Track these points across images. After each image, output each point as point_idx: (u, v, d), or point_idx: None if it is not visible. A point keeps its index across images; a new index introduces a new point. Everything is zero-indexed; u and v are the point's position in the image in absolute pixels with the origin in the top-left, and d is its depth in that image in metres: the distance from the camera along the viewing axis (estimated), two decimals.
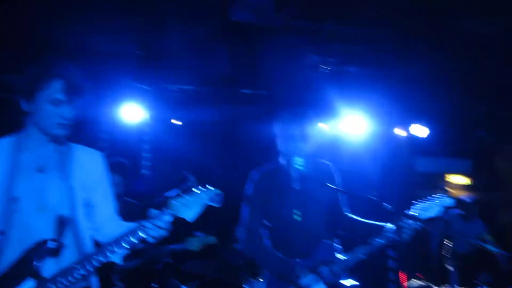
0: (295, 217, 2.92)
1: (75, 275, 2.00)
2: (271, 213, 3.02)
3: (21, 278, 1.97)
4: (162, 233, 2.05)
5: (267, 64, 5.53)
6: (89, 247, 2.19)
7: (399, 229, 2.77)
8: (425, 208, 2.81)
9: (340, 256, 2.94)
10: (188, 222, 2.05)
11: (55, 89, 2.08)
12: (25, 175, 2.10)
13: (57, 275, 2.00)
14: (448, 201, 2.84)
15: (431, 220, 2.81)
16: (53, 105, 2.09)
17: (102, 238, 2.27)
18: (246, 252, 3.03)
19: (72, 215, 2.13)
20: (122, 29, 4.87)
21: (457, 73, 5.79)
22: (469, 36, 4.96)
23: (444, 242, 3.48)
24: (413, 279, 4.76)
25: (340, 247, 3.09)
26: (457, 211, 5.83)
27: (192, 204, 1.98)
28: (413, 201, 2.86)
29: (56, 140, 2.18)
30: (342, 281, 2.91)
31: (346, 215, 3.09)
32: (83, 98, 2.15)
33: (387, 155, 6.62)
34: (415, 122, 6.46)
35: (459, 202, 5.75)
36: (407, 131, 6.57)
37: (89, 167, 2.26)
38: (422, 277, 4.95)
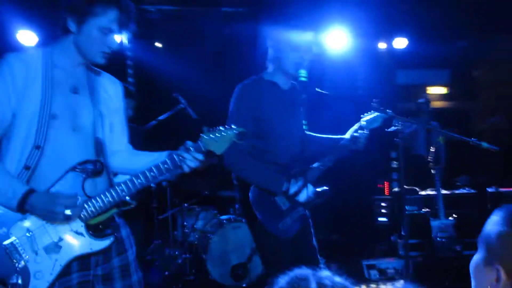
0: (285, 128, 2.94)
1: (116, 197, 2.10)
2: (265, 127, 2.92)
3: (67, 191, 2.04)
4: (197, 164, 2.18)
5: None
6: (111, 170, 2.27)
7: (353, 139, 3.00)
8: (371, 120, 3.04)
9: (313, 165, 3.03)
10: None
11: (110, 18, 2.06)
12: (62, 93, 2.11)
13: (100, 194, 2.08)
14: (388, 113, 3.00)
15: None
16: (103, 34, 2.08)
17: (118, 165, 2.35)
18: (230, 167, 2.91)
19: (103, 138, 2.20)
20: None
21: None
22: None
23: (430, 148, 3.70)
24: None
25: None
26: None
27: (220, 140, 2.19)
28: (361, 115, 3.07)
29: (89, 64, 2.20)
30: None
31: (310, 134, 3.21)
32: (129, 31, 2.15)
33: (369, 69, 6.71)
34: (396, 35, 6.50)
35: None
36: (388, 44, 6.62)
37: (112, 93, 2.31)
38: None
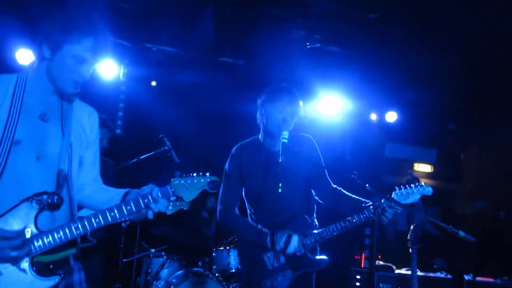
0: (276, 189, 2.91)
1: (68, 234, 1.96)
2: (250, 186, 3.10)
3: (18, 225, 1.91)
4: (163, 208, 2.08)
5: (251, 34, 5.46)
6: (76, 204, 2.15)
7: (380, 210, 2.85)
8: (406, 194, 2.91)
9: (315, 231, 3.00)
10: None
11: (84, 47, 1.98)
12: (29, 120, 2.01)
13: (52, 230, 1.94)
14: (427, 190, 2.92)
15: (410, 205, 2.91)
16: (76, 62, 2.00)
17: (83, 198, 2.24)
18: (221, 222, 3.11)
19: (68, 170, 2.08)
20: None
21: (435, 67, 5.92)
22: (452, 33, 5.05)
23: (411, 225, 3.61)
24: (377, 261, 4.94)
25: (316, 222, 3.16)
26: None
27: (191, 187, 2.12)
28: (396, 187, 2.94)
29: (61, 93, 2.10)
30: (310, 255, 3.00)
31: (336, 188, 3.13)
32: (102, 58, 2.07)
33: (359, 138, 6.75)
34: (389, 108, 6.61)
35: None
36: (381, 116, 6.71)
37: (87, 125, 2.20)
38: (380, 257, 5.15)
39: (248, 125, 3.54)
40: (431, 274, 5.17)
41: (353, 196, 3.05)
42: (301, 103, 3.13)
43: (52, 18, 1.98)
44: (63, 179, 2.03)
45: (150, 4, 4.93)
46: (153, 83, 6.37)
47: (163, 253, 4.97)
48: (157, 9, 5.02)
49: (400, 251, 5.07)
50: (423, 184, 2.95)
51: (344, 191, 3.09)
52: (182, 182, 2.10)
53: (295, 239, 2.89)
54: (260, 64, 6.13)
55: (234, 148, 3.19)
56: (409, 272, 4.70)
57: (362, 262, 6.14)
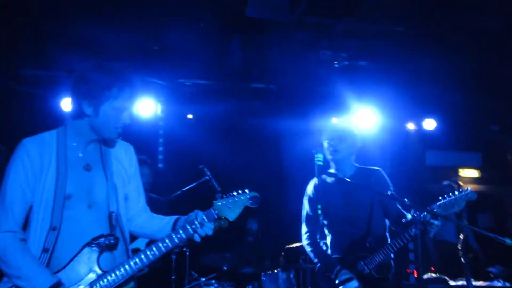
0: (343, 216, 3.26)
1: (129, 270, 2.12)
2: (327, 212, 3.39)
3: (83, 270, 2.08)
4: (210, 231, 2.21)
5: (279, 59, 5.56)
6: (129, 240, 2.30)
7: (423, 225, 2.85)
8: (450, 204, 2.87)
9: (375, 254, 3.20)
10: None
11: (124, 98, 2.16)
12: (75, 173, 2.18)
13: (114, 268, 2.11)
14: (471, 195, 2.86)
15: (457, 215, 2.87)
16: (118, 112, 2.17)
17: (135, 228, 2.40)
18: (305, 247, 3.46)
19: (117, 210, 2.23)
20: (136, 23, 4.92)
21: (469, 69, 5.82)
22: (483, 32, 4.97)
23: (460, 235, 3.53)
24: (429, 273, 4.82)
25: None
26: None
27: (233, 205, 2.23)
28: (440, 197, 2.91)
29: (104, 140, 2.28)
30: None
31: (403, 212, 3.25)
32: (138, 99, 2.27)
33: (397, 149, 6.66)
34: (426, 116, 6.50)
35: None
36: (418, 125, 6.61)
37: (125, 161, 2.36)
38: (433, 269, 5.01)
39: (277, 142, 3.67)
40: (488, 283, 4.98)
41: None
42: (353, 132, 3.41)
43: (90, 79, 2.13)
44: (114, 220, 2.19)
45: (178, 40, 5.13)
46: (190, 116, 6.56)
47: (213, 281, 5.04)
48: (185, 44, 5.21)
49: (441, 261, 4.92)
50: (467, 188, 2.89)
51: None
52: (224, 202, 2.21)
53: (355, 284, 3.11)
54: (291, 86, 6.21)
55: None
56: (464, 283, 4.56)
57: (415, 276, 5.98)
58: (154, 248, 2.15)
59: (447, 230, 5.19)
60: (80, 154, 2.22)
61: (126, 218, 2.31)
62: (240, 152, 6.31)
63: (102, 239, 2.12)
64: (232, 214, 2.22)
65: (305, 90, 6.23)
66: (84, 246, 2.10)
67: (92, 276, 2.08)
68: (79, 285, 2.06)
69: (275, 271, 4.72)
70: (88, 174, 2.21)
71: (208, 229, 2.19)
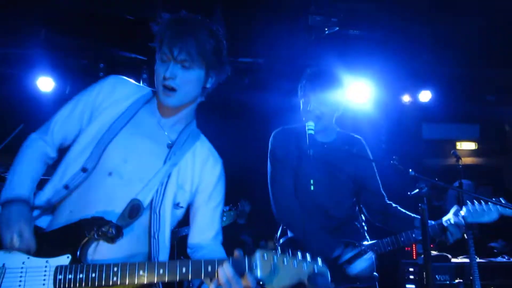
0: (309, 186, 2.62)
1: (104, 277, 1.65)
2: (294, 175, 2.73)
3: (62, 247, 1.70)
4: None
5: (267, 29, 5.26)
6: (165, 255, 1.89)
7: (443, 229, 2.56)
8: (481, 212, 2.54)
9: (365, 242, 2.72)
10: None
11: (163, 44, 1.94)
12: (129, 133, 1.90)
13: (96, 266, 1.66)
14: (509, 212, 2.48)
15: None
16: (161, 63, 1.93)
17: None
18: (282, 221, 2.76)
19: (150, 202, 1.84)
20: None
21: (465, 36, 5.54)
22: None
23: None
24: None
25: (366, 232, 2.86)
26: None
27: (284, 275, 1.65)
28: (475, 199, 2.55)
29: (188, 126, 2.05)
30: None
31: (390, 204, 2.83)
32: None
33: (392, 123, 6.42)
34: (421, 88, 6.25)
35: None
36: (413, 97, 6.35)
37: (205, 172, 1.99)
38: (432, 246, 4.83)
39: (267, 120, 3.29)
40: (492, 260, 4.83)
41: (406, 213, 2.75)
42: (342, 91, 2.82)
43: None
44: (135, 209, 1.78)
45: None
46: None
47: None
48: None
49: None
50: (496, 199, 2.46)
51: (400, 209, 2.78)
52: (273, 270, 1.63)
53: (364, 262, 2.55)
54: (280, 60, 5.93)
55: (277, 130, 2.84)
56: (467, 260, 4.37)
57: (414, 254, 5.81)
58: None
59: (448, 205, 5.00)
60: (153, 125, 1.95)
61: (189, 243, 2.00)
62: (228, 130, 6.05)
63: (104, 228, 1.69)
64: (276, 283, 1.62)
65: (295, 64, 5.94)
66: (81, 220, 1.72)
67: (64, 260, 1.66)
68: (47, 261, 1.67)
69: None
70: (142, 140, 1.89)
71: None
